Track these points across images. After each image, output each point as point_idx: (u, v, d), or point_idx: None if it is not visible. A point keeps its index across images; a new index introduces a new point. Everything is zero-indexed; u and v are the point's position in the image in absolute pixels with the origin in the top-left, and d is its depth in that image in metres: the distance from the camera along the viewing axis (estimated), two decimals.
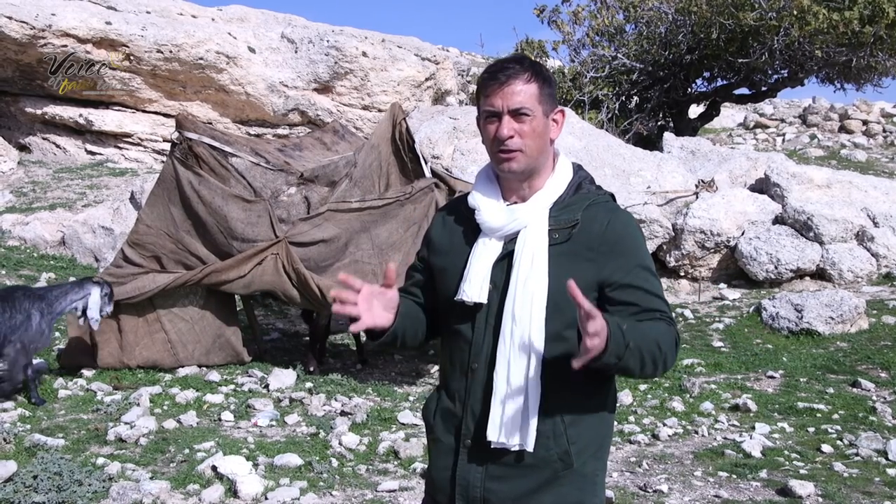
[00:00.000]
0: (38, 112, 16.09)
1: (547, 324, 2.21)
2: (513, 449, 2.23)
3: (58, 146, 16.48)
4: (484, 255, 2.30)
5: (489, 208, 2.31)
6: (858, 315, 9.19)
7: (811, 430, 6.50)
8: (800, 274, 11.03)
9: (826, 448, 6.03)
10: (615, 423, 6.62)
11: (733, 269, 11.49)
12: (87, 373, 7.61)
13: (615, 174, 12.23)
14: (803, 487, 5.17)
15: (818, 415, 6.84)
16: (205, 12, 17.41)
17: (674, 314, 10.06)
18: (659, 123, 19.55)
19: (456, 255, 2.37)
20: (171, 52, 15.59)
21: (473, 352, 2.31)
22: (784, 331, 9.20)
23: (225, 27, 16.78)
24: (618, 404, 7.11)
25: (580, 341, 2.05)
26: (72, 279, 7.42)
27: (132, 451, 5.80)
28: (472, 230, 2.35)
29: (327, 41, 16.65)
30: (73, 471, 5.05)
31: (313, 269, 7.59)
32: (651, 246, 11.42)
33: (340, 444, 5.99)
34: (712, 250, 11.40)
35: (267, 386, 7.46)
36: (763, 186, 12.37)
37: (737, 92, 20.14)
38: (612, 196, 2.41)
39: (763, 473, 5.57)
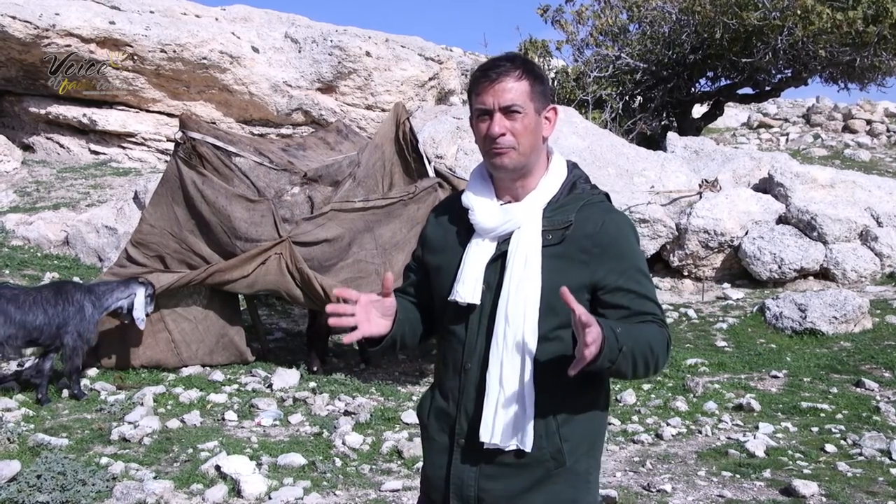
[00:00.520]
0: (42, 112, 16.11)
1: (540, 324, 2.21)
2: (506, 449, 2.24)
3: (61, 146, 16.50)
4: (477, 255, 2.30)
5: (483, 208, 2.31)
6: (862, 315, 9.18)
7: (815, 429, 6.49)
8: (803, 274, 11.02)
9: (830, 448, 6.03)
10: (618, 422, 6.67)
11: (737, 269, 11.47)
12: (90, 372, 7.63)
13: (619, 174, 12.22)
14: (807, 487, 5.17)
15: (822, 414, 6.83)
16: (208, 12, 17.42)
17: (677, 314, 10.08)
18: (662, 123, 19.51)
19: (450, 254, 2.37)
20: (174, 51, 15.61)
21: (467, 352, 2.31)
22: (788, 330, 9.19)
23: (228, 27, 16.79)
24: (621, 404, 7.16)
25: (575, 344, 2.06)
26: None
27: (136, 450, 5.81)
28: (466, 229, 2.35)
29: (331, 41, 16.65)
30: (76, 470, 5.06)
31: (317, 268, 7.59)
32: (654, 246, 11.41)
33: (344, 443, 6.00)
34: (716, 250, 11.39)
35: (270, 385, 7.47)
36: (767, 186, 12.36)
37: (740, 91, 20.10)
38: (607, 196, 2.40)
39: (767, 473, 5.56)
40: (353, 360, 8.67)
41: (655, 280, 11.48)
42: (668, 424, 6.61)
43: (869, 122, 21.09)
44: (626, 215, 2.38)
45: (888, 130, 20.76)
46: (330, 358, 8.62)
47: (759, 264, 10.98)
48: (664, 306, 10.32)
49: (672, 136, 14.62)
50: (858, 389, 7.47)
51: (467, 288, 2.27)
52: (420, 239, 2.51)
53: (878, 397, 7.22)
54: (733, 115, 23.90)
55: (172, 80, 16.20)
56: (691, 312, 10.13)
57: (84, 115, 16.06)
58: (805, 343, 8.88)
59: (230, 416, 6.63)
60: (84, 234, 11.61)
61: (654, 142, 17.16)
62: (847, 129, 21.15)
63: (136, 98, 16.27)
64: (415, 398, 7.29)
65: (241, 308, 8.49)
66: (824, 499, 5.15)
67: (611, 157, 12.58)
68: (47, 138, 16.55)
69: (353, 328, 2.21)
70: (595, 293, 2.25)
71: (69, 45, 14.96)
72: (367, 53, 16.73)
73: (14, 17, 14.48)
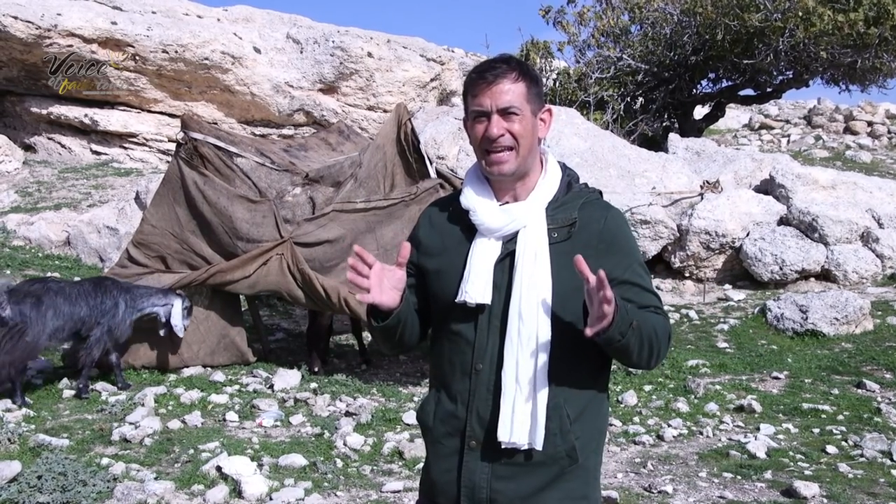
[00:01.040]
0: (44, 112, 16.12)
1: (553, 321, 2.23)
2: (522, 448, 2.24)
3: (63, 146, 16.51)
4: (484, 255, 2.30)
5: (485, 209, 2.31)
6: (863, 316, 9.17)
7: (816, 430, 6.49)
8: (804, 275, 11.01)
9: (831, 449, 6.02)
10: (620, 423, 6.68)
11: (738, 270, 11.47)
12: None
13: (620, 175, 12.22)
14: (808, 488, 5.17)
15: (823, 416, 6.82)
16: (210, 12, 17.43)
17: (679, 315, 10.07)
18: (664, 124, 19.50)
19: (451, 256, 2.35)
20: (176, 52, 15.62)
21: (477, 353, 2.30)
22: (789, 332, 9.18)
23: (230, 27, 16.80)
24: (622, 405, 7.17)
25: (586, 316, 2.10)
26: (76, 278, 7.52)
27: (137, 451, 5.81)
28: (467, 230, 2.35)
29: (332, 41, 16.66)
30: (77, 471, 5.06)
31: (318, 269, 7.60)
32: (656, 247, 11.41)
33: (345, 444, 6.00)
34: (717, 251, 11.38)
35: (272, 386, 7.47)
36: (768, 187, 12.35)
37: (742, 93, 20.10)
38: (601, 193, 2.44)
39: (768, 474, 5.56)
40: (355, 361, 8.67)
41: (657, 281, 11.48)
42: (669, 425, 6.61)
43: (870, 123, 21.07)
44: (622, 211, 2.40)
45: (889, 132, 20.74)
46: (331, 358, 8.62)
47: (760, 265, 10.98)
48: (666, 308, 10.31)
49: (673, 138, 14.62)
50: (859, 391, 7.46)
51: (477, 288, 2.27)
52: (412, 242, 2.46)
53: (879, 398, 7.22)
54: (735, 116, 23.88)
55: (174, 81, 16.21)
56: (692, 313, 10.13)
57: (86, 115, 16.08)
58: (806, 344, 8.87)
59: (231, 416, 6.63)
60: (85, 235, 11.61)
61: (656, 143, 17.16)
62: (848, 130, 21.13)
63: (138, 98, 16.28)
64: (416, 399, 7.28)
65: (243, 309, 8.49)
66: (825, 500, 5.15)
67: (612, 158, 12.57)
68: (49, 138, 16.57)
69: (367, 292, 2.20)
70: None
71: (71, 46, 14.98)
72: (369, 54, 16.73)
73: (16, 18, 14.50)
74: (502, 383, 2.25)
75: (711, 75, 19.79)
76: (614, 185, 11.67)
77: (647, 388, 7.55)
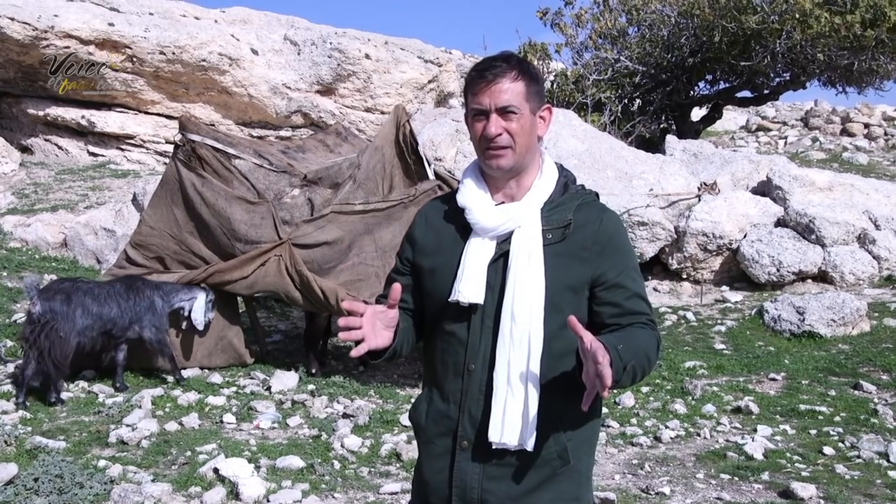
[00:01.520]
0: (41, 113, 16.10)
1: (545, 323, 2.23)
2: (513, 449, 2.24)
3: (60, 148, 16.49)
4: (478, 255, 2.30)
5: (480, 208, 2.32)
6: (860, 317, 9.18)
7: (813, 432, 6.49)
8: (802, 276, 11.02)
9: (828, 450, 6.03)
10: (617, 425, 6.68)
11: (735, 272, 11.48)
12: (88, 374, 7.62)
13: (618, 176, 12.23)
14: (805, 489, 5.17)
15: (820, 417, 6.83)
16: (207, 14, 17.41)
17: (676, 316, 10.08)
18: (661, 126, 19.53)
19: (445, 255, 2.36)
20: (173, 53, 15.61)
21: (469, 353, 2.31)
22: (786, 333, 9.19)
23: (228, 29, 16.79)
24: (620, 406, 7.17)
25: (580, 368, 2.09)
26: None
27: (134, 453, 5.80)
28: (461, 229, 2.35)
29: (330, 43, 16.66)
30: (74, 473, 5.05)
31: (316, 271, 7.59)
32: (653, 248, 11.42)
33: (342, 446, 5.99)
34: (714, 253, 11.39)
35: (269, 388, 7.46)
36: (765, 189, 12.37)
37: (739, 95, 20.13)
38: (597, 195, 2.44)
39: (765, 476, 5.57)
40: (352, 363, 8.66)
41: (654, 283, 11.49)
42: (666, 427, 6.61)
43: (867, 125, 21.10)
44: (618, 213, 2.41)
45: (886, 134, 20.76)
46: (329, 360, 8.61)
47: (757, 267, 10.99)
48: (663, 309, 10.33)
49: (671, 139, 14.63)
50: (856, 392, 7.47)
51: (470, 288, 2.27)
52: (407, 241, 2.49)
53: (875, 400, 7.23)
54: (732, 118, 23.91)
55: (171, 82, 16.20)
56: (690, 315, 10.14)
57: (83, 116, 16.06)
58: (803, 346, 8.88)
59: (228, 418, 6.63)
60: (82, 236, 11.60)
61: (653, 144, 17.17)
62: (845, 132, 21.16)
63: (135, 100, 16.27)
64: (413, 400, 7.28)
65: (240, 310, 8.48)
66: (822, 501, 5.16)
67: (610, 159, 12.58)
68: (46, 140, 16.54)
69: (360, 341, 2.20)
70: (592, 289, 2.28)
71: (68, 47, 14.96)
72: (367, 56, 16.74)
73: (13, 19, 14.48)
74: (494, 384, 2.25)
75: (709, 77, 19.81)
76: (612, 187, 11.68)
77: (645, 389, 7.56)
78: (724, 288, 11.30)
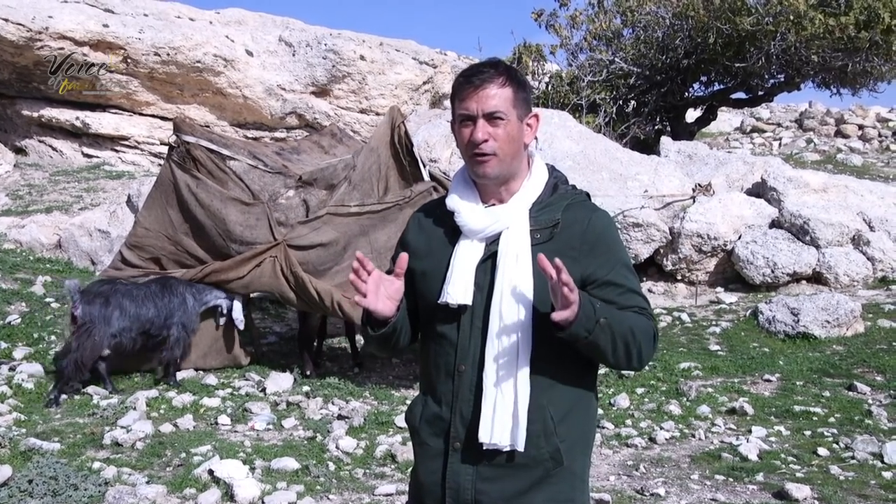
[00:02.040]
0: (35, 115, 16.07)
1: (534, 323, 2.23)
2: (504, 449, 2.24)
3: (54, 149, 16.46)
4: (467, 256, 2.31)
5: (469, 211, 2.33)
6: (854, 318, 9.20)
7: (807, 433, 6.51)
8: (796, 278, 11.04)
9: (822, 451, 6.04)
10: (612, 426, 6.68)
11: (730, 273, 11.49)
12: None
13: (612, 178, 12.23)
14: (800, 490, 5.18)
15: (814, 418, 6.84)
16: (202, 15, 17.40)
17: (671, 318, 10.09)
18: (656, 127, 19.53)
19: (436, 258, 2.37)
20: (168, 54, 15.59)
21: (460, 354, 2.31)
22: (780, 334, 9.20)
23: (222, 30, 16.77)
24: (615, 408, 7.17)
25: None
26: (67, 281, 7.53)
27: (128, 454, 5.79)
28: (452, 232, 2.36)
29: (325, 44, 16.66)
30: (68, 475, 5.04)
31: (311, 272, 7.59)
32: (648, 250, 11.43)
33: (337, 447, 5.99)
34: (709, 254, 11.41)
35: (264, 389, 7.45)
36: (760, 190, 12.38)
37: (734, 96, 20.14)
38: (588, 195, 2.45)
39: (760, 476, 5.57)
40: (347, 364, 8.66)
41: (649, 284, 11.50)
42: (661, 428, 6.62)
43: (861, 126, 21.16)
44: (608, 213, 2.41)
45: (880, 135, 20.82)
46: (324, 362, 8.61)
47: (752, 268, 11.00)
48: (658, 310, 10.34)
49: (666, 141, 14.63)
50: (851, 393, 7.49)
51: (458, 289, 2.28)
52: (401, 245, 2.51)
53: (870, 401, 7.24)
54: (727, 119, 23.94)
55: (166, 84, 16.18)
56: (685, 316, 10.15)
57: (77, 118, 16.03)
58: (798, 347, 8.89)
59: (223, 420, 6.62)
60: (77, 238, 11.57)
61: (648, 146, 17.17)
62: (839, 133, 21.21)
63: (130, 101, 16.25)
64: (408, 402, 7.26)
65: None
66: (817, 502, 5.17)
67: (604, 161, 12.59)
68: (40, 141, 16.51)
69: (364, 297, 2.24)
70: (584, 288, 2.28)
71: (62, 48, 14.93)
72: (362, 57, 16.74)
73: (6, 20, 14.45)
74: (483, 384, 2.25)
75: (703, 78, 19.82)
76: (606, 188, 11.68)
77: (640, 390, 7.57)
78: (719, 289, 11.32)
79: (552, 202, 2.34)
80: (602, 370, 6.41)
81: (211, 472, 5.32)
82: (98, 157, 16.36)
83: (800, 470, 5.72)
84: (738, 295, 11.02)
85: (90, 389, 7.25)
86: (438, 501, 2.34)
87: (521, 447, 2.23)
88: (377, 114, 16.51)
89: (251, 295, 8.47)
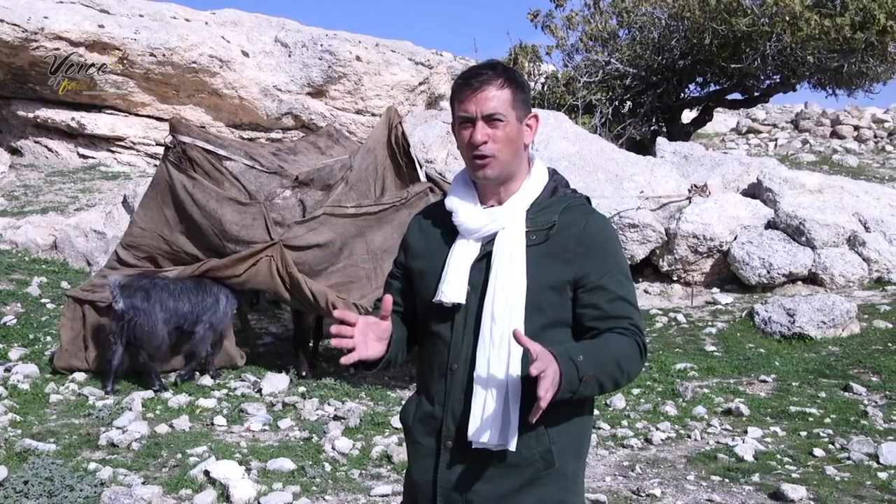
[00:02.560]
0: (30, 115, 16.04)
1: (526, 323, 2.23)
2: (494, 449, 2.24)
3: (50, 150, 16.43)
4: (462, 256, 2.32)
5: (466, 211, 2.34)
6: (850, 319, 9.22)
7: (803, 434, 6.52)
8: (792, 278, 11.05)
9: (818, 452, 6.05)
10: (608, 427, 6.68)
11: (726, 274, 11.51)
12: (78, 377, 7.58)
13: (608, 179, 12.24)
14: (795, 491, 5.19)
15: (810, 419, 6.85)
16: (198, 16, 17.38)
17: (667, 319, 10.09)
18: (652, 128, 19.55)
19: (434, 257, 2.38)
20: (164, 55, 15.57)
21: (452, 353, 2.32)
22: (776, 335, 9.21)
23: (218, 31, 16.76)
24: (611, 408, 7.17)
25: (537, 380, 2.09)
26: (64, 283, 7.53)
27: (124, 455, 5.78)
28: (450, 232, 2.37)
29: (321, 45, 16.65)
30: (64, 476, 5.03)
31: (308, 272, 7.58)
32: (644, 251, 11.44)
33: (333, 448, 5.99)
34: (705, 255, 11.42)
35: (260, 390, 7.45)
36: (756, 191, 12.40)
37: (729, 97, 20.16)
38: (588, 199, 2.45)
39: (755, 477, 5.58)
40: (343, 365, 8.63)
41: (644, 285, 11.51)
42: (657, 429, 6.63)
43: (857, 127, 21.21)
44: (607, 217, 2.41)
45: (876, 136, 20.88)
46: (319, 362, 8.60)
47: (747, 269, 11.02)
48: (653, 311, 10.35)
49: (661, 142, 14.65)
50: (846, 394, 7.50)
51: (452, 288, 2.29)
52: (402, 246, 2.53)
53: (865, 401, 7.25)
54: (722, 120, 23.98)
55: (162, 84, 16.16)
56: (680, 317, 10.16)
57: (73, 118, 16.01)
58: (794, 347, 8.90)
59: (219, 420, 6.61)
60: (73, 239, 11.56)
61: (644, 147, 17.19)
62: (835, 134, 21.26)
63: (126, 102, 16.22)
64: (404, 402, 7.27)
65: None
66: (812, 503, 5.17)
67: (600, 161, 12.60)
68: (36, 142, 16.49)
69: (351, 350, 2.23)
70: (575, 290, 2.28)
71: (58, 49, 14.91)
72: (358, 58, 16.73)
73: (2, 20, 14.43)
74: (474, 383, 2.26)
75: (699, 79, 19.85)
76: (602, 189, 11.69)
77: (636, 391, 7.57)
78: (715, 290, 11.33)
79: (550, 204, 2.34)
80: None
81: (207, 472, 5.31)
82: (94, 157, 16.34)
83: (795, 471, 5.73)
84: (734, 296, 11.03)
85: (86, 390, 7.24)
86: (430, 500, 2.35)
87: (512, 447, 2.22)
88: (373, 114, 16.51)
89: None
